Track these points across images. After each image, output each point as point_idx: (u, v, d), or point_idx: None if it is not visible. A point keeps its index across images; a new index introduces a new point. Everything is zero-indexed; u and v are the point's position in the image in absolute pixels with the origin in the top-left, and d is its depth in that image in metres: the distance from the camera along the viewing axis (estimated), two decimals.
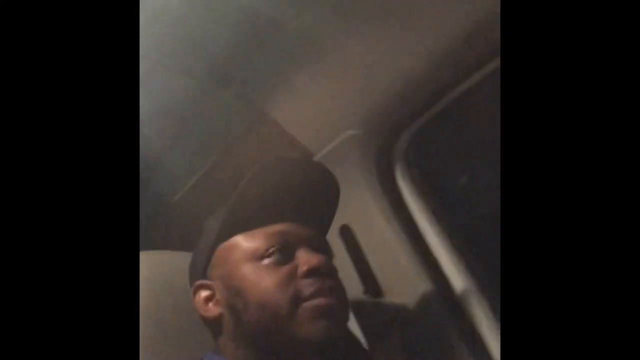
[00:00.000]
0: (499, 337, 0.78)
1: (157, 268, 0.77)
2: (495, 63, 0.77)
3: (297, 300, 0.61)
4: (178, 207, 1.11)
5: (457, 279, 0.84)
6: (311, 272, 0.63)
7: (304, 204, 0.68)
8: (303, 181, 0.68)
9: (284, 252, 0.64)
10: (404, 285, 0.84)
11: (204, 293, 0.67)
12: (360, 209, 0.91)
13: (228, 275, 0.65)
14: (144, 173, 1.04)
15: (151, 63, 0.89)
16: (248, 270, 0.64)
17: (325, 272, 0.64)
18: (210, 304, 0.66)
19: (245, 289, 0.63)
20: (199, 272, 0.69)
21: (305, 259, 0.64)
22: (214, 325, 0.66)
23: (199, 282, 0.68)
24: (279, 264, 0.64)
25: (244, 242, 0.66)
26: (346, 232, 0.93)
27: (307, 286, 0.62)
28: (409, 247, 0.86)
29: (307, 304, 0.61)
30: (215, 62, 0.88)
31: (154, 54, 0.88)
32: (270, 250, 0.64)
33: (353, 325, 0.77)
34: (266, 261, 0.64)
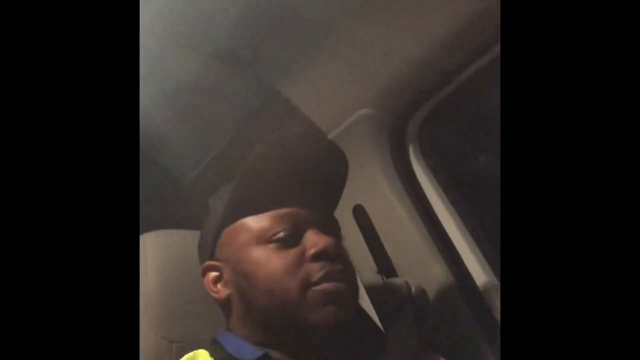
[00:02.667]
0: None
1: (170, 246, 0.78)
2: None
3: (305, 284, 0.60)
4: (191, 188, 1.12)
5: (470, 259, 0.84)
6: (319, 255, 0.61)
7: (312, 180, 0.66)
8: (310, 156, 0.66)
9: (292, 234, 0.63)
10: (417, 266, 0.84)
11: (212, 274, 0.66)
12: (374, 189, 0.91)
13: (235, 257, 0.64)
14: (155, 154, 1.04)
15: (164, 43, 0.89)
16: (256, 253, 0.63)
17: (334, 255, 0.62)
18: (219, 285, 0.65)
19: (253, 273, 0.62)
20: (208, 252, 0.68)
21: (313, 241, 0.62)
22: (223, 305, 0.66)
23: (207, 263, 0.67)
24: (286, 247, 0.62)
25: (252, 224, 0.64)
26: (359, 212, 0.93)
27: (315, 270, 0.60)
28: (422, 227, 0.86)
29: (316, 289, 0.60)
30: (228, 42, 0.88)
31: (168, 34, 0.87)
32: (279, 233, 0.63)
33: (367, 305, 0.78)
34: (274, 244, 0.62)
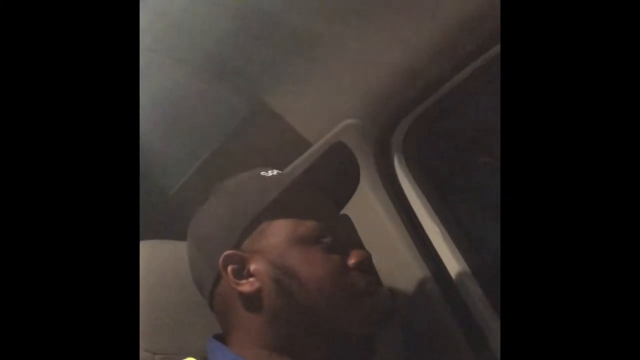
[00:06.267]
0: (497, 325, 0.79)
1: (154, 257, 0.77)
2: (494, 51, 0.77)
3: (352, 291, 0.62)
4: (176, 199, 1.11)
5: (455, 268, 0.84)
6: (360, 266, 0.63)
7: (333, 196, 0.71)
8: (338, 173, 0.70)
9: (335, 241, 0.64)
10: (403, 275, 0.84)
11: (236, 265, 0.62)
12: (359, 199, 0.91)
13: (276, 251, 0.62)
14: (141, 165, 1.04)
15: (149, 56, 0.89)
16: (302, 252, 0.62)
17: (370, 267, 0.65)
18: (245, 278, 0.61)
19: (300, 271, 0.61)
20: (230, 241, 0.63)
21: (354, 251, 0.64)
22: (248, 299, 0.61)
23: (231, 252, 0.62)
24: (329, 251, 0.63)
25: (297, 224, 0.63)
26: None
27: (359, 279, 0.63)
28: (407, 237, 0.87)
29: (366, 299, 0.63)
30: (213, 54, 0.88)
31: (153, 46, 0.87)
32: (324, 237, 0.63)
33: None
34: (318, 246, 0.63)
